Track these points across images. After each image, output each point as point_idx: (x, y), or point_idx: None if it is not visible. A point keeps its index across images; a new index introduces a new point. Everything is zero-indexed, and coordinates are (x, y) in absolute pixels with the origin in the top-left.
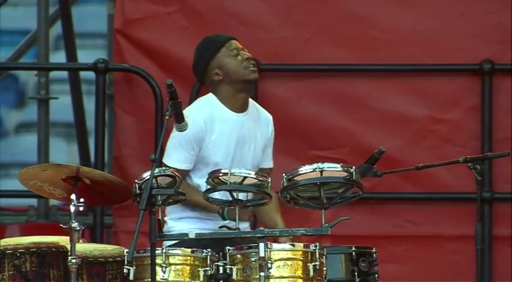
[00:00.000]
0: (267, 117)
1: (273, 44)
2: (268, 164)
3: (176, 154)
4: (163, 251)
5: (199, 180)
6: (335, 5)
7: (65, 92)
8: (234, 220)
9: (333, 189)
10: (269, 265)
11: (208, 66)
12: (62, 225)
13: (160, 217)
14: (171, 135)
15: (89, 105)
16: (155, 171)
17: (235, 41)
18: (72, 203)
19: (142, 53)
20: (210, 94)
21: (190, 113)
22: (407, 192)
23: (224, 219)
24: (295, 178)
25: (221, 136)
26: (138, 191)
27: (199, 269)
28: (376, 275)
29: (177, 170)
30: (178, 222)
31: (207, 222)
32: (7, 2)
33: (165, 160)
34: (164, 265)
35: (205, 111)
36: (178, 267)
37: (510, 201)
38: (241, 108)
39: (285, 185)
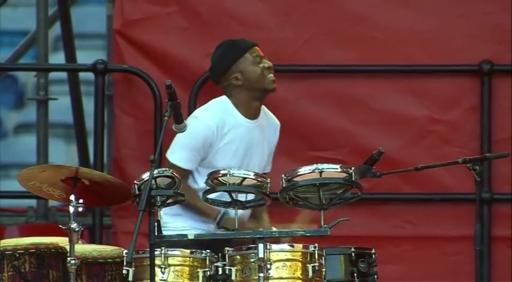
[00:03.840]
0: (275, 124)
1: (272, 45)
2: (269, 168)
3: (182, 153)
4: (163, 252)
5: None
6: (334, 6)
7: (64, 93)
8: (227, 230)
9: (332, 190)
10: (268, 266)
11: (230, 69)
12: (61, 226)
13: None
14: (182, 134)
15: (88, 106)
16: (154, 172)
17: (258, 48)
18: (71, 204)
19: (141, 54)
20: (224, 97)
21: (203, 115)
22: (407, 193)
23: (218, 227)
24: (294, 179)
25: (231, 143)
26: (137, 192)
27: (199, 270)
28: (376, 276)
29: (179, 168)
30: (174, 218)
31: (204, 222)
32: (6, 3)
33: (169, 156)
34: (163, 266)
35: (218, 115)
36: (178, 268)
37: (509, 201)
38: (254, 115)
39: (284, 185)
